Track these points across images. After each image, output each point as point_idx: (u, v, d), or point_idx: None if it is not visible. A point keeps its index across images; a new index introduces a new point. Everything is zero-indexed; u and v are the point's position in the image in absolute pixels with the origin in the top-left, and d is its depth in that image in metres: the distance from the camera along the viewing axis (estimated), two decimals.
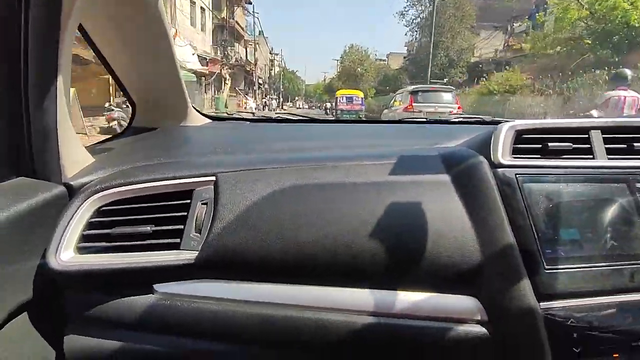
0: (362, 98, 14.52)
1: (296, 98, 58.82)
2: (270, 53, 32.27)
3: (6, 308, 0.42)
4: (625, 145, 0.57)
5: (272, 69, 35.02)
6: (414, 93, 8.03)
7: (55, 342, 0.51)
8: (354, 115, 11.97)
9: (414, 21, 23.44)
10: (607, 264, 0.50)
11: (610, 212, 0.54)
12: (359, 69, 25.69)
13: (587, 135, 0.59)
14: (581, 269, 0.50)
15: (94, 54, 0.76)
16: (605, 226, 0.52)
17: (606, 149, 0.57)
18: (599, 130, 0.59)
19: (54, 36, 0.50)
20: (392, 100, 9.10)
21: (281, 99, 39.68)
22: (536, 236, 0.50)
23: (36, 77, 0.49)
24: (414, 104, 7.73)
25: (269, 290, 0.50)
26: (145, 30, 0.72)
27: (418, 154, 0.62)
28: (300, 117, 1.25)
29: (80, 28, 0.65)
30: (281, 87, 35.08)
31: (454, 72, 19.96)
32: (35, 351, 0.49)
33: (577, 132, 0.59)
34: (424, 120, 1.26)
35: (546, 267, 0.49)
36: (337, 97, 14.86)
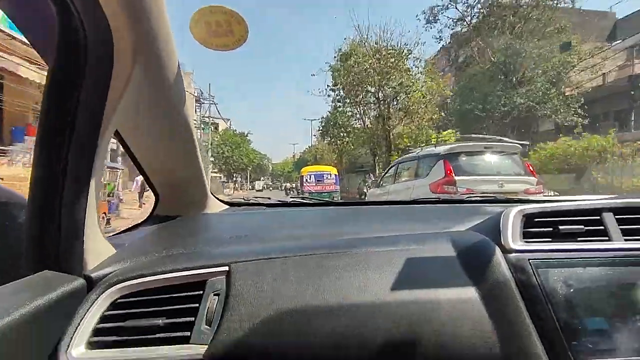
0: (335, 175, 12.93)
1: (262, 178, 55.16)
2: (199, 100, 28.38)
3: None
4: None
5: (212, 135, 31.77)
6: (451, 157, 4.88)
7: None
8: (327, 199, 8.42)
9: (455, 29, 19.60)
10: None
11: (636, 298, 0.56)
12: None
13: (599, 217, 0.64)
14: None
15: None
16: (633, 313, 0.54)
17: (621, 230, 0.62)
18: (611, 212, 0.64)
19: (93, 141, 0.62)
20: (390, 174, 6.46)
21: (230, 179, 36.57)
22: (559, 327, 0.53)
23: (73, 179, 0.60)
24: (456, 177, 4.53)
25: None
26: (172, 129, 0.88)
27: (429, 240, 0.70)
28: (316, 201, 1.48)
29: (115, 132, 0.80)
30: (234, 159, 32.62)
31: (556, 108, 14.63)
32: None
33: (588, 214, 0.65)
34: (437, 200, 1.39)
35: None
36: (302, 176, 13.14)
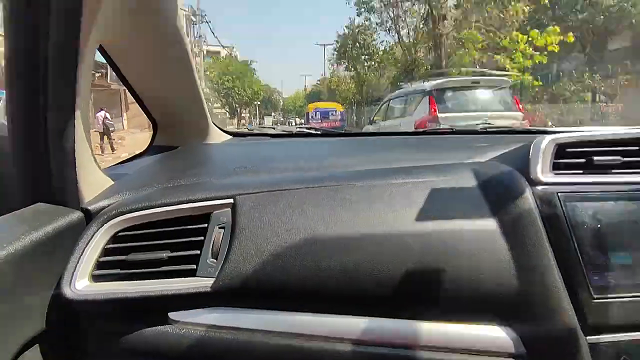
0: (341, 112, 12.92)
1: (272, 114, 54.20)
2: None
3: (20, 340, 0.48)
4: None
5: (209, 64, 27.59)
6: (437, 93, 4.73)
7: None
8: None
9: None
10: None
11: None
12: (364, 56, 18.84)
13: (637, 148, 0.59)
14: (634, 299, 0.50)
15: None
16: None
17: None
18: None
19: (72, 58, 0.55)
20: (382, 110, 6.25)
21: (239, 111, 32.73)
22: (582, 262, 0.51)
23: (55, 101, 0.55)
24: (439, 114, 4.47)
25: (287, 319, 0.55)
26: (164, 47, 0.82)
27: (448, 171, 0.66)
28: (324, 131, 1.42)
29: (100, 49, 0.75)
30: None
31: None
32: None
33: (628, 144, 0.59)
34: (450, 130, 1.31)
35: (594, 296, 0.50)
36: (307, 113, 13.31)
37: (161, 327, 0.55)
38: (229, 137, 1.21)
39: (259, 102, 36.94)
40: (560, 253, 0.52)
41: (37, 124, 0.56)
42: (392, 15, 13.98)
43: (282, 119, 55.84)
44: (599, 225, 0.52)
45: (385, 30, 15.05)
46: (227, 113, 30.25)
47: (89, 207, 0.61)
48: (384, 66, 17.33)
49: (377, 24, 15.45)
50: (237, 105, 28.96)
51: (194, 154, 1.00)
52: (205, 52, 29.16)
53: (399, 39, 14.23)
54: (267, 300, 0.55)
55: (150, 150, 1.04)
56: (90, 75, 0.61)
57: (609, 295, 0.50)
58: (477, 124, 1.40)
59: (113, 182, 0.71)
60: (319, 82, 39.22)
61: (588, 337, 0.49)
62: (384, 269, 0.53)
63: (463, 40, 9.99)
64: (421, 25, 12.61)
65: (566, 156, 0.59)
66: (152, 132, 1.06)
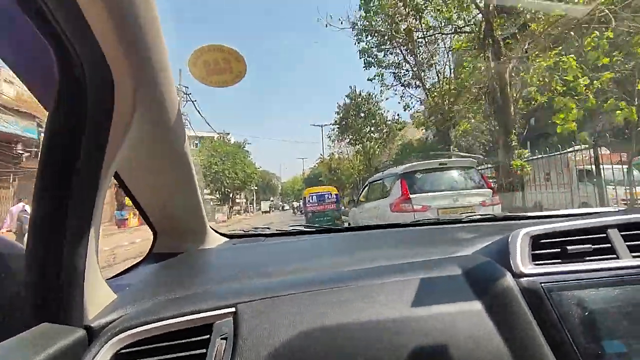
0: (336, 195, 13.60)
1: (271, 198, 55.35)
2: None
3: None
4: None
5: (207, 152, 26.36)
6: (407, 176, 5.13)
7: None
8: (329, 218, 12.36)
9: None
10: None
11: None
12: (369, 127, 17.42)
13: (605, 235, 0.64)
14: None
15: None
16: None
17: (628, 246, 0.63)
18: (616, 229, 0.65)
19: (94, 187, 0.61)
20: (364, 192, 6.60)
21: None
22: (577, 351, 0.52)
23: (74, 226, 0.59)
24: (411, 195, 4.75)
25: None
26: (171, 165, 0.88)
27: (438, 266, 0.70)
28: (315, 228, 1.46)
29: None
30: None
31: None
32: None
33: (594, 232, 0.65)
34: (435, 221, 1.46)
35: None
36: (304, 197, 14.12)
37: None
38: (225, 239, 1.27)
39: (255, 187, 35.35)
40: (555, 344, 0.53)
41: (55, 243, 0.58)
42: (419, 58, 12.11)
43: (280, 203, 58.33)
44: (586, 313, 0.54)
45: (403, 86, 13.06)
46: (218, 199, 27.65)
47: (92, 325, 0.61)
48: (392, 138, 15.73)
49: (394, 75, 13.26)
50: (228, 190, 26.73)
51: (193, 262, 1.03)
52: (197, 137, 27.14)
53: (422, 85, 12.13)
54: None
55: (150, 257, 1.07)
56: (104, 198, 0.65)
57: None
58: (459, 214, 1.53)
59: (116, 296, 0.72)
60: (316, 164, 40.15)
61: None
62: None
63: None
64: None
65: (542, 247, 0.64)
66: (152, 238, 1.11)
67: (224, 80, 0.79)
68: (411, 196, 4.60)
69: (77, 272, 0.60)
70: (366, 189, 6.57)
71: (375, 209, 5.34)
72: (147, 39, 0.59)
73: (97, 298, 0.66)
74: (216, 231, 1.23)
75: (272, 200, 57.11)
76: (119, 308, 0.66)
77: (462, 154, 4.97)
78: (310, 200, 13.02)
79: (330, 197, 13.16)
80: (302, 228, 1.45)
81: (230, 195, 28.40)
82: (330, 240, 1.30)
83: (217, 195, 26.62)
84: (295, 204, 34.61)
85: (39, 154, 0.59)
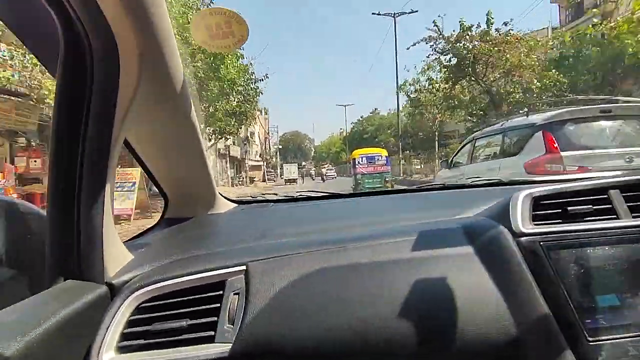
0: (386, 157, 13.29)
1: (303, 163, 53.68)
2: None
3: None
4: None
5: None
6: (553, 127, 3.79)
7: None
8: (379, 179, 12.28)
9: None
10: None
11: None
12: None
13: (606, 196, 0.66)
14: (627, 338, 0.54)
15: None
16: None
17: (628, 207, 0.64)
18: (618, 190, 0.66)
19: (105, 151, 0.63)
20: (464, 152, 5.41)
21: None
22: (572, 306, 0.56)
23: (88, 189, 0.62)
24: (563, 153, 3.59)
25: None
26: (179, 132, 0.89)
27: (440, 228, 0.73)
28: (323, 194, 1.48)
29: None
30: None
31: None
32: None
33: (596, 193, 0.66)
34: (441, 186, 1.47)
35: (589, 338, 0.54)
36: (354, 159, 13.73)
37: None
38: (234, 205, 1.26)
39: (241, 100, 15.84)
40: (552, 299, 0.56)
41: (72, 204, 0.61)
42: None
43: (313, 169, 41.05)
44: (583, 270, 0.57)
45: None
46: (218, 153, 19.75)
47: (113, 282, 0.65)
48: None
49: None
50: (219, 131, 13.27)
51: (204, 225, 1.07)
52: None
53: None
54: None
55: (163, 222, 1.10)
56: (116, 162, 0.67)
57: (603, 337, 0.54)
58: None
59: (133, 256, 0.76)
60: (361, 118, 36.80)
61: None
62: (389, 324, 0.57)
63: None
64: None
65: (543, 208, 0.66)
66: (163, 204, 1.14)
67: (226, 44, 0.78)
68: (563, 154, 3.57)
69: (95, 232, 0.63)
70: (468, 146, 5.43)
71: (492, 172, 4.32)
72: (150, 4, 0.59)
73: (116, 257, 0.70)
74: (225, 197, 1.24)
75: (303, 166, 47.62)
76: (137, 267, 0.71)
77: (632, 98, 3.76)
78: (360, 162, 12.86)
79: (380, 158, 12.97)
80: (310, 194, 1.46)
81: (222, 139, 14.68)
82: (338, 205, 1.37)
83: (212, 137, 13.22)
84: (324, 170, 31.60)
85: (51, 122, 0.61)
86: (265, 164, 36.01)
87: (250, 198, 1.41)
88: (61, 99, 0.59)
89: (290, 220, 1.08)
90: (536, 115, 4.10)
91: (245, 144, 28.88)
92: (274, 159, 46.30)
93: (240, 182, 24.64)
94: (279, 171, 37.29)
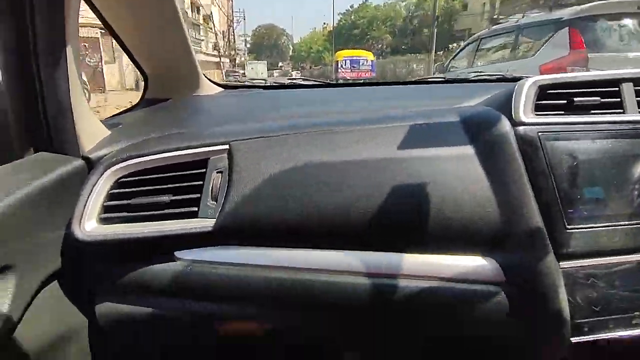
0: (372, 61, 12.56)
1: (280, 63, 49.46)
2: None
3: (38, 277, 0.51)
4: None
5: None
6: (582, 24, 3.20)
7: (87, 310, 0.61)
8: None
9: None
10: (631, 222, 0.57)
11: (637, 168, 0.57)
12: None
13: (617, 89, 0.63)
14: (603, 228, 0.56)
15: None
16: (632, 183, 0.57)
17: (638, 102, 0.62)
18: (631, 83, 0.63)
19: (59, 10, 0.58)
20: (464, 54, 4.77)
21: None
22: (558, 196, 0.56)
23: (45, 52, 0.58)
24: (590, 55, 3.09)
25: (285, 255, 0.60)
26: (154, 1, 0.87)
27: (435, 114, 0.70)
28: (314, 82, 1.44)
29: (87, 1, 0.79)
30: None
31: None
32: (69, 319, 0.59)
33: (607, 84, 0.63)
34: (443, 79, 1.41)
35: (567, 226, 0.56)
36: (337, 62, 12.77)
37: (168, 264, 0.59)
38: (221, 89, 1.23)
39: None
40: (539, 188, 0.56)
41: (31, 77, 0.57)
42: None
43: (290, 71, 34.72)
44: (575, 163, 0.57)
45: None
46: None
47: (90, 156, 0.64)
48: None
49: None
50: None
51: (187, 105, 1.03)
52: None
53: None
54: (266, 238, 0.59)
55: (143, 102, 1.06)
56: (77, 27, 0.62)
57: (581, 226, 0.56)
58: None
59: (110, 132, 0.73)
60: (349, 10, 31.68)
61: (561, 263, 0.55)
62: (373, 204, 0.57)
63: None
64: None
65: (549, 98, 0.62)
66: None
67: None
68: (591, 55, 3.07)
69: (62, 102, 0.60)
70: (471, 46, 4.78)
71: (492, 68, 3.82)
72: None
73: (91, 132, 0.67)
74: (211, 80, 1.21)
75: (280, 67, 43.11)
76: (115, 142, 0.68)
77: None
78: (344, 66, 12.15)
79: (365, 63, 12.32)
80: (301, 82, 1.43)
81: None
82: (330, 92, 1.29)
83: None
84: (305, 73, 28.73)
85: None
86: (229, 61, 28.19)
87: (238, 83, 1.39)
88: None
89: (278, 104, 1.03)
90: (561, 10, 3.45)
91: (195, 28, 20.27)
92: (241, 56, 40.12)
93: None
94: (247, 70, 27.53)
